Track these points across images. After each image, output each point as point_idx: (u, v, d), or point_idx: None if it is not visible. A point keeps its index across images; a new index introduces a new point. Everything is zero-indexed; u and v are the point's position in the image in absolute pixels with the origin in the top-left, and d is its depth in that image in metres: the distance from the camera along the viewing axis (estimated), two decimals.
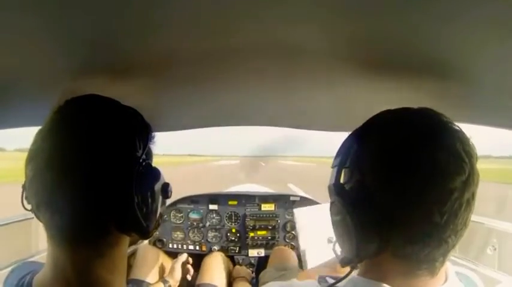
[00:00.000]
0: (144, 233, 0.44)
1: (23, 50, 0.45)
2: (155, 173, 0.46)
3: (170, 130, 1.00)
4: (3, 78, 0.52)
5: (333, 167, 0.45)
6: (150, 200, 0.43)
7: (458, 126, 0.40)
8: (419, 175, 0.37)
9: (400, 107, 0.43)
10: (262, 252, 1.66)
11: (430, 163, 0.37)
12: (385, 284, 0.41)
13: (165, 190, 0.47)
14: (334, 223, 0.46)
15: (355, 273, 0.46)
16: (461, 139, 0.38)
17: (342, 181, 0.44)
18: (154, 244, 1.61)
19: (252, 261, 1.67)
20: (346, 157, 0.44)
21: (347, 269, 0.44)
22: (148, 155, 0.47)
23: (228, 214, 1.69)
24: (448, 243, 0.38)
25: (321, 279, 0.50)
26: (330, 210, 0.46)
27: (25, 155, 0.42)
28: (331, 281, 0.48)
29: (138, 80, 0.61)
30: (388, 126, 0.42)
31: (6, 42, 0.42)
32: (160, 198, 0.46)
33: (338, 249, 0.46)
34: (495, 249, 1.51)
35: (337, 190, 0.43)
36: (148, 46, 0.48)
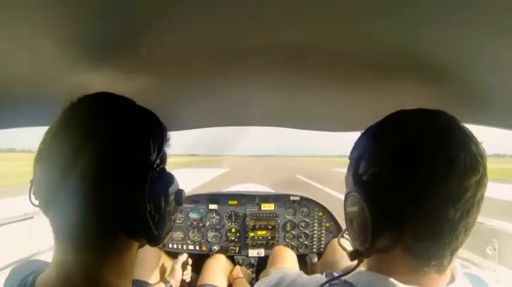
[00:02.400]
0: (155, 240, 0.42)
1: (23, 50, 0.45)
2: (169, 179, 0.44)
3: (172, 130, 1.00)
4: (4, 79, 0.52)
5: (350, 158, 0.46)
6: (162, 207, 0.42)
7: (470, 131, 0.41)
8: (435, 171, 0.38)
9: (418, 108, 0.44)
10: (262, 252, 1.66)
11: (447, 160, 0.38)
12: (391, 279, 0.42)
13: (179, 196, 0.45)
14: (349, 214, 0.46)
15: (363, 267, 0.47)
16: (474, 141, 0.40)
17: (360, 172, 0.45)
18: None
19: (252, 261, 1.67)
20: (365, 149, 0.45)
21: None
22: (163, 158, 0.45)
23: (228, 213, 1.68)
24: (458, 240, 0.40)
25: (328, 274, 0.51)
26: (346, 201, 0.46)
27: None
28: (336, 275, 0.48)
29: (140, 81, 0.61)
30: (407, 123, 0.43)
31: (7, 42, 0.42)
32: (173, 205, 0.44)
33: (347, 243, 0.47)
34: (495, 249, 1.51)
35: (355, 180, 0.43)
36: (150, 47, 0.48)
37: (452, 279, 0.43)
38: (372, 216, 0.40)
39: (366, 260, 0.47)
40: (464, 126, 0.42)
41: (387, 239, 0.40)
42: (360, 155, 0.44)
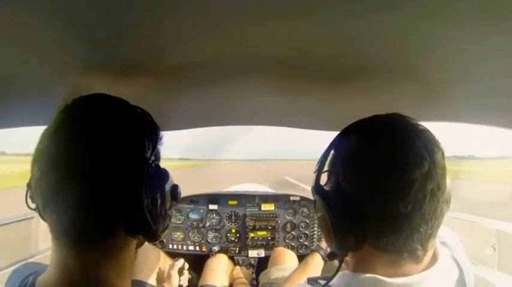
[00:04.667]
0: (153, 236, 0.43)
1: (23, 50, 0.45)
2: (164, 175, 0.45)
3: (171, 130, 1.00)
4: (4, 78, 0.52)
5: (314, 172, 0.49)
6: (159, 202, 0.43)
7: (423, 128, 0.44)
8: (380, 172, 0.41)
9: (372, 115, 0.47)
10: (262, 253, 1.66)
11: (389, 160, 0.41)
12: (369, 274, 0.43)
13: (174, 192, 0.46)
14: (318, 220, 0.51)
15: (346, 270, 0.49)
16: (423, 138, 0.42)
17: (323, 183, 0.49)
18: (154, 244, 1.60)
19: (252, 262, 1.66)
20: (325, 161, 0.49)
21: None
22: (157, 156, 0.46)
23: (228, 214, 1.68)
24: (421, 232, 0.41)
25: (312, 281, 0.52)
26: (314, 208, 0.50)
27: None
28: (323, 282, 0.49)
29: (140, 80, 0.61)
30: (355, 132, 0.47)
31: (7, 41, 0.42)
32: (169, 200, 0.46)
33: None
34: (495, 249, 1.51)
35: (316, 189, 0.48)
36: (150, 47, 0.48)
37: (434, 259, 0.45)
38: (332, 221, 0.44)
39: (349, 262, 0.49)
40: (414, 126, 0.44)
41: (352, 240, 0.43)
42: (320, 168, 0.48)
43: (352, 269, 0.48)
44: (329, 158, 0.49)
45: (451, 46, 0.46)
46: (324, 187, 0.48)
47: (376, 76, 0.59)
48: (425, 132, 0.43)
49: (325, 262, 1.12)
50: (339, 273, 0.49)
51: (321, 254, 1.13)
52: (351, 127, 0.48)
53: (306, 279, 0.62)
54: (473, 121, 0.77)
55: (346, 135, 0.48)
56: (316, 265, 1.11)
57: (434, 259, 0.45)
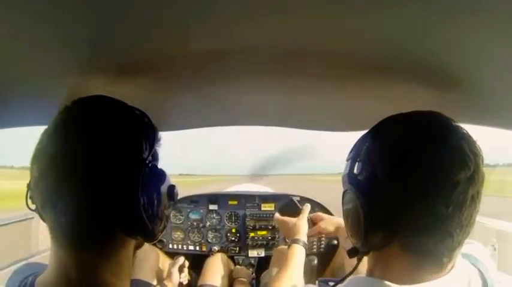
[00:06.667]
0: (150, 236, 0.44)
1: (22, 50, 0.45)
2: (161, 175, 0.45)
3: (171, 130, 1.00)
4: (4, 78, 0.52)
5: (347, 160, 0.48)
6: (155, 202, 0.43)
7: (465, 130, 0.42)
8: (423, 169, 0.39)
9: (414, 110, 0.45)
10: (262, 252, 1.66)
11: (435, 158, 0.39)
12: (387, 282, 0.42)
13: (171, 192, 0.47)
14: (345, 212, 0.48)
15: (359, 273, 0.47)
16: (467, 140, 0.41)
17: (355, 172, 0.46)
18: (154, 244, 1.60)
19: (252, 261, 1.67)
20: (360, 150, 0.46)
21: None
22: (155, 156, 0.46)
23: (228, 214, 1.69)
24: (453, 237, 0.40)
25: (322, 283, 0.51)
26: (343, 199, 0.48)
27: None
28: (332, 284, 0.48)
29: (140, 80, 0.61)
30: (399, 125, 0.45)
31: (7, 41, 0.42)
32: (166, 200, 0.46)
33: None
34: (495, 249, 1.51)
35: (350, 179, 0.46)
36: (150, 46, 0.48)
37: (451, 268, 0.43)
38: (364, 212, 0.42)
39: (367, 265, 0.47)
40: (457, 126, 0.42)
41: (381, 235, 0.42)
42: (355, 156, 0.46)
43: (368, 272, 0.47)
44: (365, 146, 0.46)
45: (475, 47, 0.45)
46: (358, 177, 0.45)
47: (382, 76, 0.59)
48: (468, 134, 0.42)
49: (306, 256, 0.94)
50: (353, 276, 0.46)
51: (300, 246, 0.93)
52: (394, 117, 0.46)
53: (317, 282, 0.60)
54: (493, 124, 0.74)
55: (387, 125, 0.46)
56: (300, 261, 0.90)
57: (451, 267, 0.43)
